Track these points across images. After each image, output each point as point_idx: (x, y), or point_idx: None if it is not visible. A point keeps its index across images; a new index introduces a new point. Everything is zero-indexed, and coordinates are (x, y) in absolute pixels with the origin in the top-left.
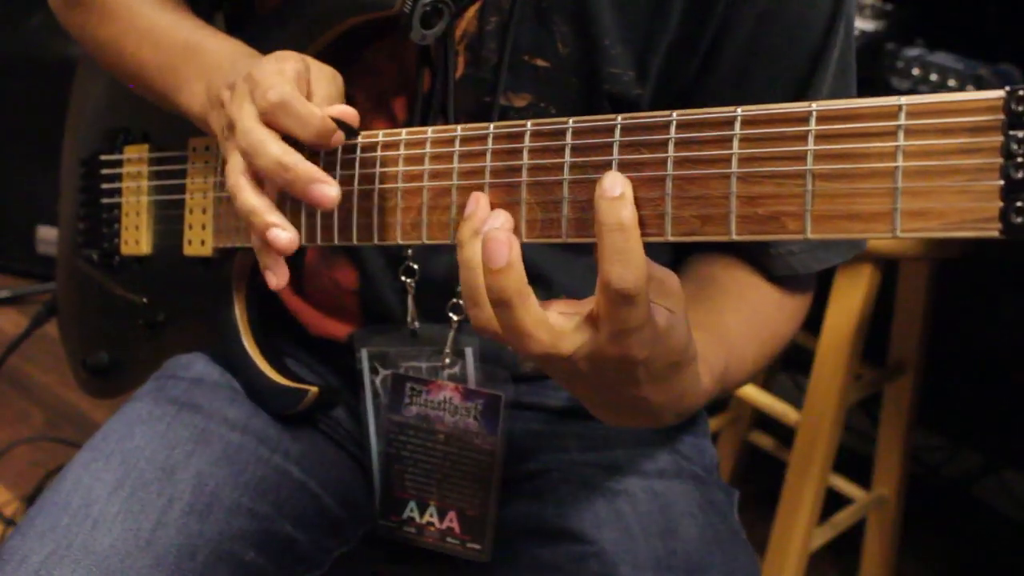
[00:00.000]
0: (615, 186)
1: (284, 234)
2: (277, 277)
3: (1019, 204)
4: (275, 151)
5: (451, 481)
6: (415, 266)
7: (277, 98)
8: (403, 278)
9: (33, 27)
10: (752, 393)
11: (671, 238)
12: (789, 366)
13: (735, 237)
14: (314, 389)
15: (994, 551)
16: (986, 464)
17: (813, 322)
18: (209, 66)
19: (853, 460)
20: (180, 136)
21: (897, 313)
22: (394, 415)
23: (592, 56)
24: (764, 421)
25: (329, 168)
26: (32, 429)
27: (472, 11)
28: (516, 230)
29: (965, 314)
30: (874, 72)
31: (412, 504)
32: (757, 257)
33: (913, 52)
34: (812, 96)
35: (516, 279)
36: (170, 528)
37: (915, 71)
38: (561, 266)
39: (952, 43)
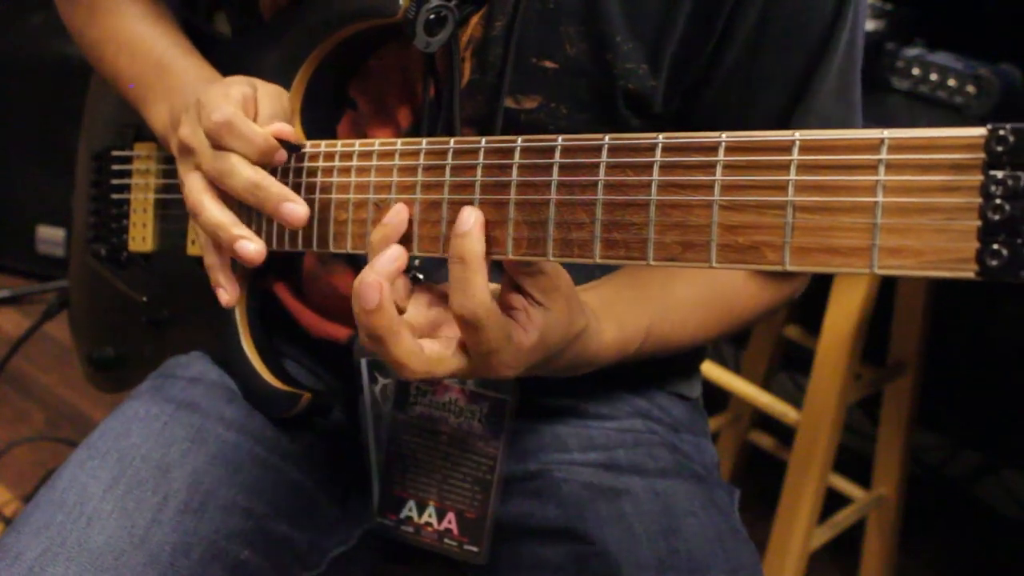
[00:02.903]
0: (465, 222)
1: (252, 245)
2: (229, 294)
3: (995, 247)
4: (248, 173)
5: (451, 482)
6: (420, 276)
7: (221, 118)
8: None
9: (33, 27)
10: (752, 393)
11: (652, 263)
12: (789, 366)
13: (715, 265)
14: (307, 394)
15: (994, 551)
16: (986, 464)
17: (813, 322)
18: (173, 88)
19: (853, 460)
20: None
21: (897, 313)
22: (398, 413)
23: (605, 54)
24: (764, 421)
25: (326, 175)
26: (32, 429)
27: (477, 17)
28: (502, 246)
29: (965, 314)
30: (874, 72)
31: (411, 503)
32: None
33: (913, 52)
34: (818, 83)
35: (387, 319)
36: (165, 526)
37: (915, 71)
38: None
39: (952, 43)
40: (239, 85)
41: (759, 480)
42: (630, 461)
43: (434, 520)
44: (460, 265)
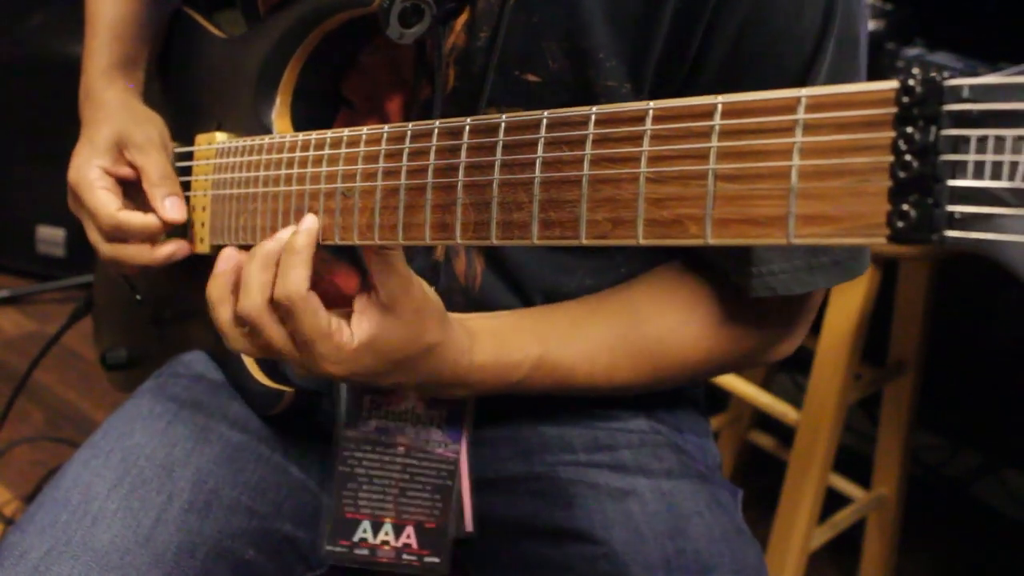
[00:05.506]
0: (307, 222)
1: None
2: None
3: (904, 208)
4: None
5: (409, 495)
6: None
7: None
8: None
9: (33, 27)
10: (752, 393)
11: (585, 242)
12: (789, 366)
13: (641, 242)
14: (290, 390)
15: (994, 551)
16: (986, 464)
17: (813, 322)
18: (93, 114)
19: (853, 460)
20: (190, 131)
21: (897, 313)
22: (350, 431)
23: (587, 71)
24: (764, 421)
25: (302, 166)
26: (32, 429)
27: (460, 25)
28: (451, 231)
29: (965, 314)
30: (874, 72)
31: (365, 524)
32: (737, 276)
33: (913, 52)
34: None
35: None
36: (169, 525)
37: (915, 71)
38: (562, 271)
39: (952, 43)
40: (99, 183)
41: (759, 480)
42: (636, 462)
43: (391, 537)
44: (290, 255)
